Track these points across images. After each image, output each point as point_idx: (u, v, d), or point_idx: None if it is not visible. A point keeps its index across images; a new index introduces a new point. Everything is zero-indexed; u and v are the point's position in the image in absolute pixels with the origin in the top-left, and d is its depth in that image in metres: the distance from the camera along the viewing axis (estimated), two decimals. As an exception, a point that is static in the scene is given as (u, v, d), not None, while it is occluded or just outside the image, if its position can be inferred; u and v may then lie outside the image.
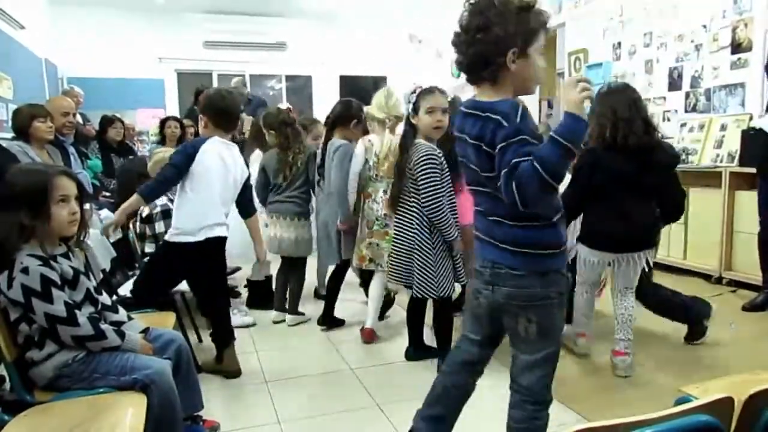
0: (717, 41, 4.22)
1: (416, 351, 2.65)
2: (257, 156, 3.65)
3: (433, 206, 2.25)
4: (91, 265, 1.74)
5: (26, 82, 5.60)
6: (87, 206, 2.81)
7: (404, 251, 2.39)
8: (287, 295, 3.25)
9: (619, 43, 5.11)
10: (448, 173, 2.31)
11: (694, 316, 2.68)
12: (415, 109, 2.34)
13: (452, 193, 2.33)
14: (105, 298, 1.75)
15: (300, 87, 8.88)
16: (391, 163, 2.68)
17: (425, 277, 2.32)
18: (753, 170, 3.33)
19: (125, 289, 2.64)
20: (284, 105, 3.38)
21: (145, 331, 1.77)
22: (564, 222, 1.41)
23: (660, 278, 3.79)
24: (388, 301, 3.27)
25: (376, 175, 2.84)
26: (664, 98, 4.69)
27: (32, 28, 6.10)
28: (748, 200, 3.54)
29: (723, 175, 3.75)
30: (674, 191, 2.37)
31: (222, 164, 2.37)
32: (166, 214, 2.87)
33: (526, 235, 1.33)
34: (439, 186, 2.25)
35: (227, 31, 8.12)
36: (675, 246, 4.10)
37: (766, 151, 3.15)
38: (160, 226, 2.89)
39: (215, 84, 8.44)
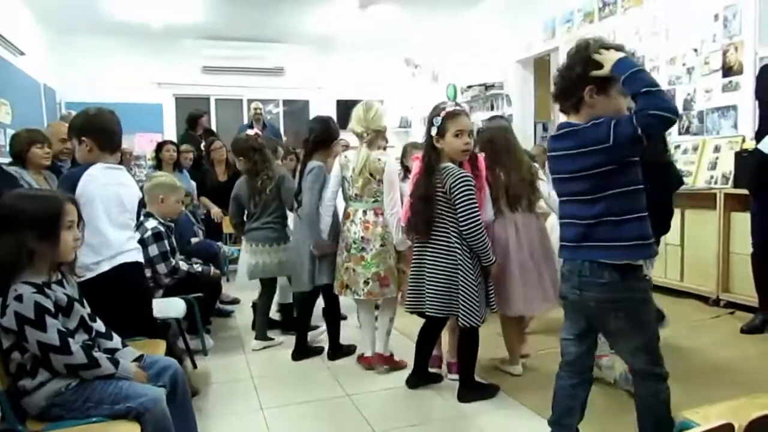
0: (708, 64, 4.30)
1: (421, 379, 2.57)
2: None
3: (472, 230, 2.21)
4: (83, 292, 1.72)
5: (24, 107, 5.65)
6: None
7: (444, 280, 2.28)
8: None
9: (612, 67, 5.21)
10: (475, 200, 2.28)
11: None
12: (441, 132, 2.29)
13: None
14: (99, 325, 1.73)
15: (297, 111, 8.94)
16: (366, 179, 2.61)
17: (471, 304, 2.24)
18: (747, 192, 3.36)
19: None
20: (252, 131, 3.36)
21: (140, 358, 1.75)
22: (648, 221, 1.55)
23: (657, 300, 3.82)
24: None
25: (356, 195, 2.70)
26: (658, 120, 4.75)
27: (31, 53, 6.19)
28: (743, 221, 3.55)
29: (717, 197, 3.78)
30: (666, 210, 2.41)
31: (108, 191, 2.13)
32: (158, 237, 2.88)
33: (616, 232, 1.51)
34: (477, 209, 2.22)
35: (225, 57, 8.23)
36: (672, 268, 4.10)
37: (756, 171, 3.17)
38: (153, 250, 2.88)
39: (213, 109, 8.56)
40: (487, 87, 6.76)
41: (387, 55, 8.66)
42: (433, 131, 2.30)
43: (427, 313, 2.37)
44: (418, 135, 7.02)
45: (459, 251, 2.27)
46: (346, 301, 3.04)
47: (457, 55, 7.66)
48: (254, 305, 3.52)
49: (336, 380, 2.72)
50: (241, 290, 3.64)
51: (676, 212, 3.84)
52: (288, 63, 8.62)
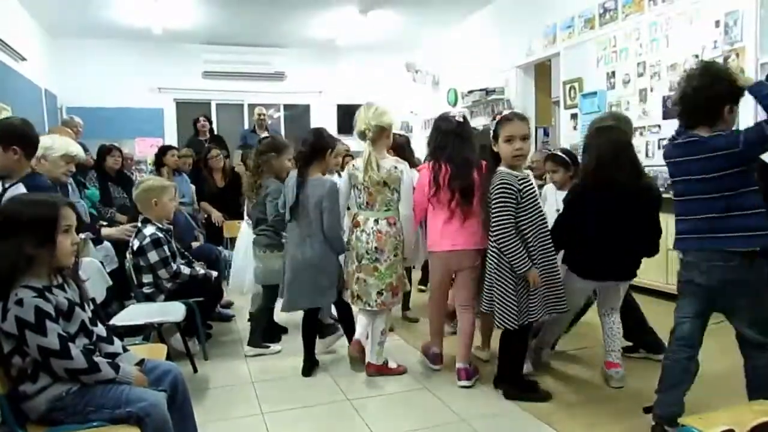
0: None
1: (515, 386, 2.48)
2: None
3: (501, 236, 2.27)
4: (85, 296, 1.73)
5: (26, 112, 5.65)
6: (83, 236, 2.82)
7: (487, 278, 2.40)
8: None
9: (613, 72, 5.22)
10: (532, 203, 2.32)
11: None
12: (495, 137, 2.36)
13: (541, 224, 2.34)
14: (100, 330, 1.74)
15: (298, 116, 8.97)
16: (371, 178, 2.59)
17: (505, 306, 2.30)
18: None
19: (120, 319, 2.65)
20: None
21: (141, 362, 1.75)
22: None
23: (662, 307, 3.81)
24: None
25: (367, 203, 2.66)
26: (659, 126, 4.77)
27: (33, 59, 6.23)
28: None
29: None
30: (651, 232, 2.49)
31: None
32: (157, 243, 2.90)
33: (743, 224, 1.80)
34: (508, 216, 2.26)
35: (226, 62, 8.26)
36: (673, 273, 4.08)
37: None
38: (152, 256, 2.91)
39: (213, 113, 8.59)
40: (487, 92, 6.79)
41: (388, 60, 8.69)
42: (491, 136, 2.40)
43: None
44: (419, 140, 7.03)
45: (496, 256, 2.34)
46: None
47: (457, 60, 7.68)
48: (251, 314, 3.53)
49: (337, 384, 2.72)
50: (240, 295, 3.61)
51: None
52: (289, 67, 8.65)
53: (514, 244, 2.25)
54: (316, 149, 2.76)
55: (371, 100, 2.78)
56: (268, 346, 3.19)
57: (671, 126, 4.53)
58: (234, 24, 7.25)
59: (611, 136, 2.45)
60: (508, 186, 2.28)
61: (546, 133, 6.64)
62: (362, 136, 2.65)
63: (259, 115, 6.71)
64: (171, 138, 7.81)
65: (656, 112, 4.80)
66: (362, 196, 2.67)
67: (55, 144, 2.76)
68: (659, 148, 4.77)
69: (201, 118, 6.57)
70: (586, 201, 2.42)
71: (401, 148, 3.18)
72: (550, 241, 2.36)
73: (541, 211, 2.38)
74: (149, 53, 7.92)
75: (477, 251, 2.54)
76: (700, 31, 4.36)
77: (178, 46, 8.04)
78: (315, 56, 8.62)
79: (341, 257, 2.78)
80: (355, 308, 2.82)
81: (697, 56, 4.40)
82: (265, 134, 6.50)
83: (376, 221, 2.64)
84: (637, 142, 4.91)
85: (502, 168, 2.36)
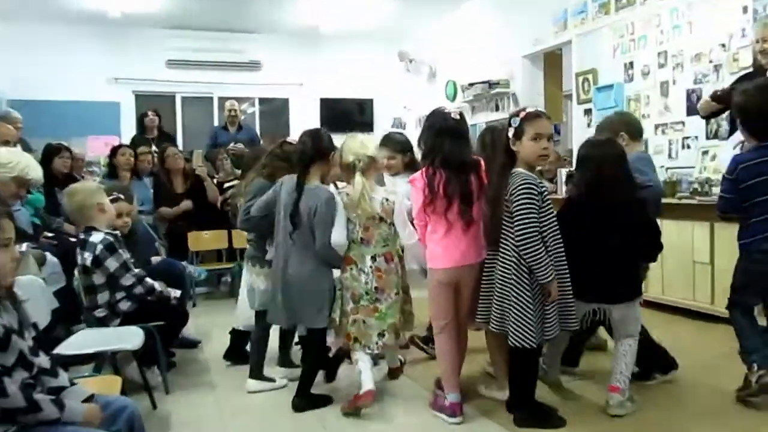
0: (737, 61, 4.37)
1: (528, 412, 2.50)
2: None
3: (525, 242, 2.34)
4: (25, 321, 1.69)
5: (-40, 106, 5.60)
6: (23, 248, 2.78)
7: (498, 293, 2.44)
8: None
9: (632, 63, 5.27)
10: (549, 207, 2.42)
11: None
12: (517, 134, 2.43)
13: (556, 230, 2.42)
14: (42, 360, 1.69)
15: (276, 111, 8.99)
16: (364, 210, 2.68)
17: (521, 322, 2.35)
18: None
19: (67, 347, 2.60)
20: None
21: (90, 398, 1.71)
22: None
23: (684, 325, 3.82)
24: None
25: (362, 239, 2.74)
26: (683, 123, 4.81)
27: (-31, 45, 6.15)
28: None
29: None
30: (648, 236, 2.63)
31: None
32: (111, 248, 2.87)
33: None
34: (534, 220, 2.35)
35: (193, 49, 8.26)
36: (701, 289, 4.10)
37: None
38: (111, 263, 2.86)
39: (178, 108, 8.55)
40: (491, 85, 6.83)
41: (378, 49, 8.72)
42: (510, 132, 2.45)
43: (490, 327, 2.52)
44: (413, 138, 7.05)
45: (514, 265, 2.39)
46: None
47: (457, 48, 7.73)
48: (234, 332, 3.49)
49: (321, 423, 2.67)
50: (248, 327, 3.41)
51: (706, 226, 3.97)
52: (265, 56, 8.65)
53: (541, 251, 2.34)
54: (318, 151, 2.79)
55: (354, 131, 2.93)
56: (273, 380, 3.09)
57: (695, 123, 4.64)
58: (203, 6, 7.25)
59: (612, 147, 2.65)
60: (533, 188, 2.37)
61: (557, 131, 6.67)
62: (350, 168, 2.75)
63: (230, 110, 6.71)
64: (129, 136, 7.71)
65: (679, 107, 4.84)
66: (356, 231, 2.74)
67: (13, 162, 2.69)
68: (683, 147, 4.81)
69: (150, 113, 6.56)
70: (581, 215, 2.56)
71: (414, 162, 3.26)
72: (563, 250, 2.44)
73: (555, 217, 2.45)
74: (105, 39, 7.89)
75: (481, 263, 2.60)
76: (727, 17, 4.42)
77: (139, 32, 8.01)
78: (295, 44, 8.63)
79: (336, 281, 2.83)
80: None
81: (723, 46, 4.46)
82: (238, 131, 6.54)
83: (374, 258, 2.72)
84: (659, 140, 4.99)
85: (520, 169, 2.43)
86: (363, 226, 2.73)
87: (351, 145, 2.77)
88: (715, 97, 3.73)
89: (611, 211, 2.52)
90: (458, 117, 2.62)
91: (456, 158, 2.54)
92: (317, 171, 2.80)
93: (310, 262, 2.73)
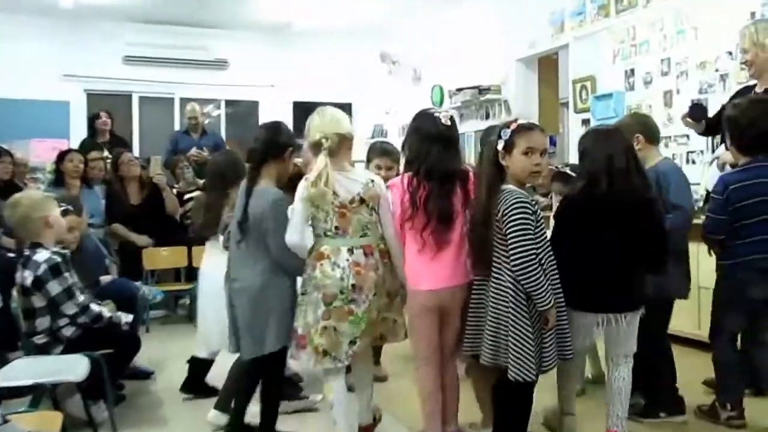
0: (745, 70, 4.47)
1: None
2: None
3: (523, 266, 2.33)
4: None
5: None
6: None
7: (493, 323, 2.42)
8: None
9: (633, 70, 5.37)
10: (542, 226, 2.42)
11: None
12: (508, 148, 2.43)
13: (550, 250, 2.43)
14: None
15: (243, 115, 8.97)
16: (323, 192, 2.53)
17: (522, 354, 2.34)
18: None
19: (1, 378, 2.56)
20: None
21: (25, 438, 1.69)
22: None
23: (689, 357, 3.86)
24: None
25: (336, 228, 2.58)
26: (687, 137, 4.90)
27: None
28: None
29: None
30: (656, 244, 2.61)
31: None
32: (56, 270, 2.84)
33: None
34: (531, 243, 2.34)
35: (153, 45, 8.23)
36: (708, 319, 4.12)
37: None
38: (53, 287, 2.84)
39: (135, 109, 8.48)
40: (481, 90, 6.89)
41: (357, 49, 8.76)
42: (500, 145, 2.43)
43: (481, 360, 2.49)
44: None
45: (511, 291, 2.37)
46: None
47: (444, 50, 7.79)
48: (192, 360, 3.45)
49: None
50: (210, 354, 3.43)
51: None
52: (233, 54, 8.66)
53: (540, 275, 2.34)
54: (271, 147, 2.72)
55: (329, 104, 2.77)
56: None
57: (700, 136, 4.72)
58: (164, -2, 7.22)
59: (622, 137, 2.64)
60: (527, 207, 2.37)
61: (552, 142, 6.76)
62: (316, 147, 2.62)
63: (190, 118, 6.63)
64: (79, 139, 7.59)
65: (684, 119, 4.93)
66: (330, 219, 2.59)
67: None
68: (688, 162, 4.90)
69: (102, 114, 6.48)
70: (584, 214, 2.56)
71: None
72: (558, 273, 2.45)
73: (547, 238, 2.48)
74: (55, 31, 7.83)
75: (470, 285, 2.57)
76: (734, 23, 4.51)
77: (93, 24, 7.97)
78: (266, 42, 8.65)
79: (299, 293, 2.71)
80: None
81: (730, 53, 4.57)
82: (201, 136, 6.51)
83: (351, 251, 2.56)
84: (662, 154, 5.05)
85: (511, 186, 2.44)
86: (338, 213, 2.57)
87: (319, 121, 2.64)
88: (689, 115, 3.77)
89: (620, 209, 2.51)
90: (449, 122, 2.61)
91: (443, 168, 2.53)
92: (271, 170, 2.71)
93: (261, 275, 2.64)
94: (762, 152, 2.79)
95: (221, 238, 3.14)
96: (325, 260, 2.57)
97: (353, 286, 2.52)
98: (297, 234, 2.60)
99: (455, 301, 2.58)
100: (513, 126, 2.44)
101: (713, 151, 4.12)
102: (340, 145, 2.61)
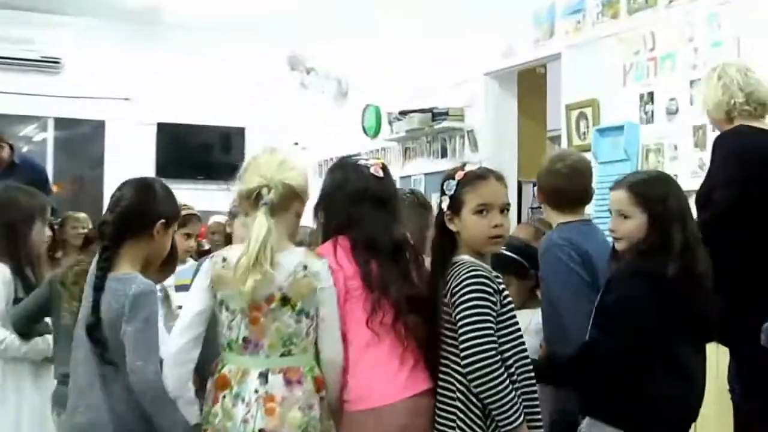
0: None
1: None
2: None
3: (476, 367, 2.33)
4: None
5: None
6: None
7: None
8: None
9: (651, 94, 5.37)
10: (513, 315, 2.50)
11: None
12: (455, 207, 2.50)
13: (521, 346, 2.49)
14: None
15: (82, 140, 8.95)
16: (257, 281, 2.45)
17: None
18: None
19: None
20: None
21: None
22: None
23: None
24: None
25: (245, 341, 2.55)
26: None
27: None
28: None
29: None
30: None
31: None
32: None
33: None
34: (489, 332, 2.36)
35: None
36: None
37: None
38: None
39: None
40: (435, 115, 6.91)
41: (255, 50, 8.88)
42: (444, 204, 2.52)
43: None
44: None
45: (460, 403, 2.42)
46: None
47: (383, 58, 7.85)
48: None
49: None
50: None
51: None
52: (69, 52, 8.66)
53: (501, 379, 2.35)
54: (135, 218, 2.72)
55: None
56: None
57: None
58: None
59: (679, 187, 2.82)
60: (486, 284, 2.41)
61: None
62: (253, 200, 2.55)
63: None
64: None
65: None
66: (237, 325, 2.54)
67: None
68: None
69: None
70: (670, 298, 2.58)
71: None
72: (534, 376, 2.53)
73: (520, 327, 2.56)
74: None
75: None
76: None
77: None
78: (121, 36, 8.70)
79: None
80: None
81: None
82: (7, 170, 6.29)
83: (264, 378, 2.50)
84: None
85: (465, 256, 2.50)
86: (248, 316, 2.52)
87: (261, 162, 2.62)
88: None
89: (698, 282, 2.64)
90: (380, 173, 2.71)
91: (388, 237, 2.62)
92: (135, 251, 2.69)
93: (118, 400, 2.59)
94: None
95: None
96: (226, 390, 2.51)
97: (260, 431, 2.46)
98: (177, 345, 2.55)
99: (418, 415, 2.57)
100: (459, 175, 2.52)
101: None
102: (288, 201, 2.59)
